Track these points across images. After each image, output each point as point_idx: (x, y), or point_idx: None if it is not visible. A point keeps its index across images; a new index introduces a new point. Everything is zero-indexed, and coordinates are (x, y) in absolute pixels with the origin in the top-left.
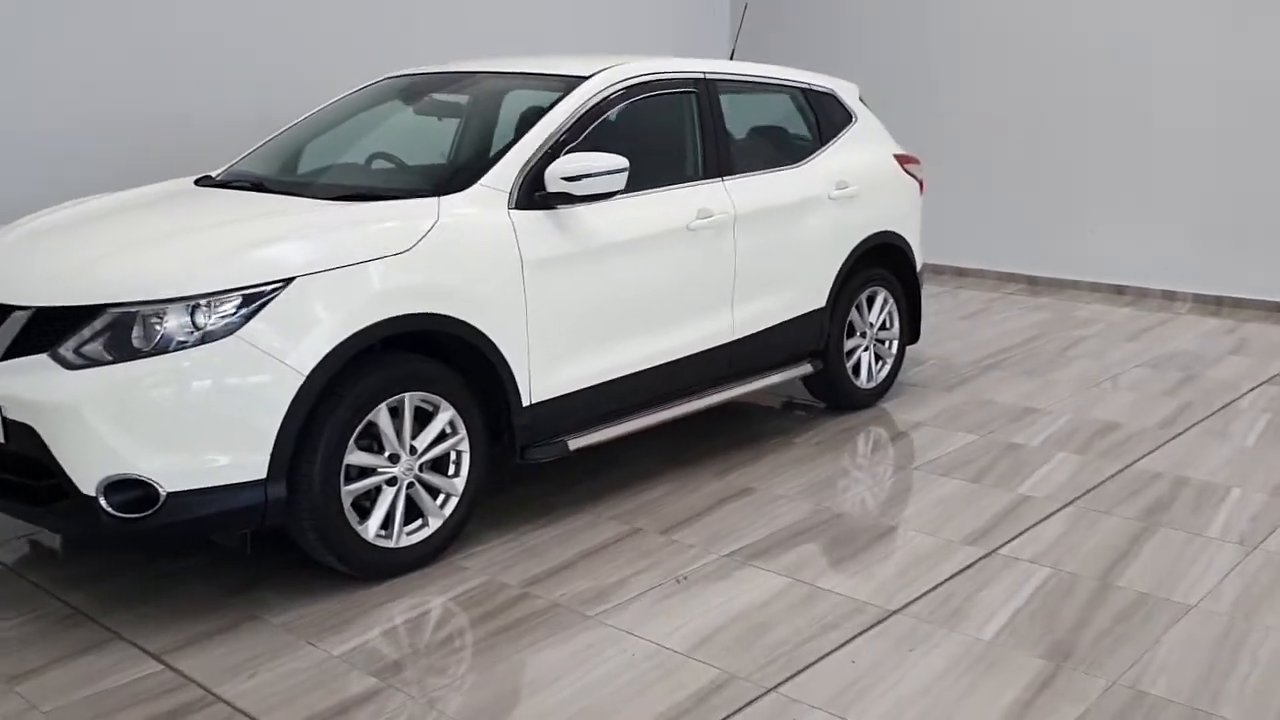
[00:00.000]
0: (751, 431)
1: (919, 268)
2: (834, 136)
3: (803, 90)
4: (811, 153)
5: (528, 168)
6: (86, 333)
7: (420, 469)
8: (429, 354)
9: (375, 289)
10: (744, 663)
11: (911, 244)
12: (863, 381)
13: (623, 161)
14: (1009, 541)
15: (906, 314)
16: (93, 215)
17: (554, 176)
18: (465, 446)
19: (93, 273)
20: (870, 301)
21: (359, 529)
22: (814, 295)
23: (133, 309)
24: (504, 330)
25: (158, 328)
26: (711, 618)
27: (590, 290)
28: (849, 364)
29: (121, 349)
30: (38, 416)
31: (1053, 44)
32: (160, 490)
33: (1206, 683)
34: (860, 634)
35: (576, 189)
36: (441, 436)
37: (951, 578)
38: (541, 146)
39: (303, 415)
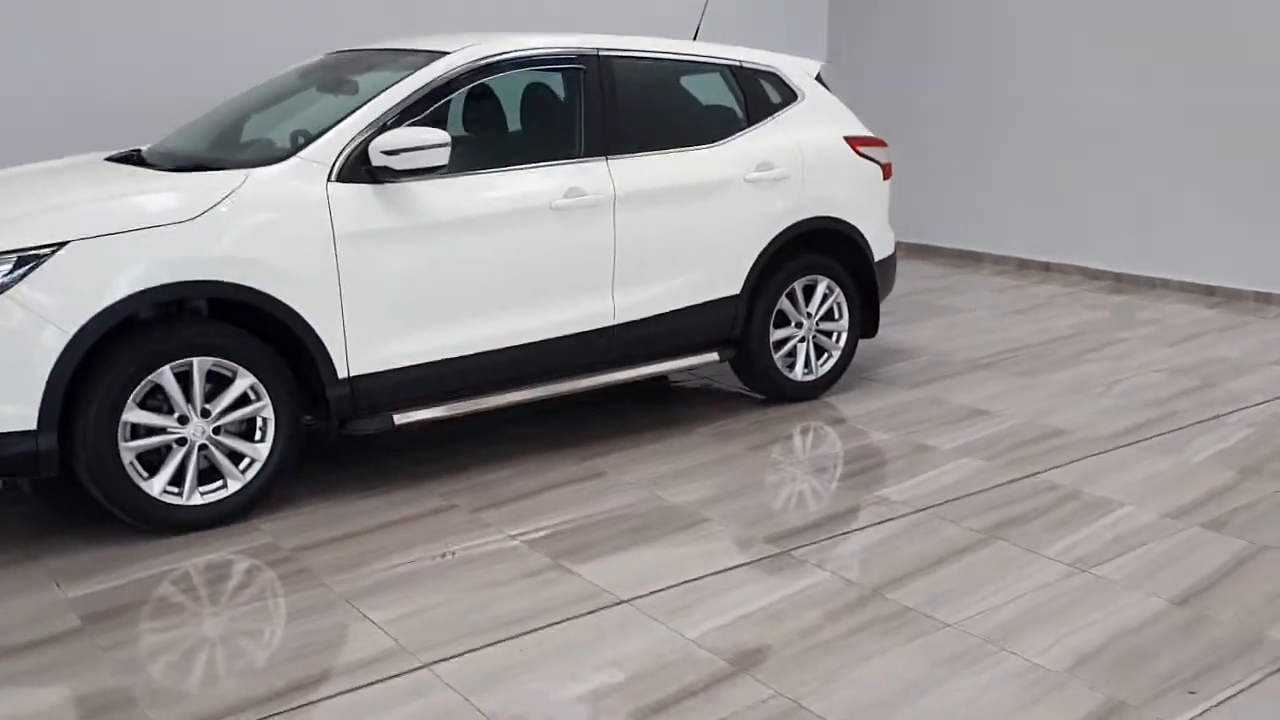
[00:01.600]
0: (664, 416)
1: (878, 256)
2: (766, 117)
3: (730, 68)
4: (731, 133)
5: (354, 142)
6: None
7: (218, 432)
8: (241, 322)
9: (148, 256)
10: (420, 639)
11: (864, 231)
12: (797, 374)
13: (444, 136)
14: (814, 544)
15: (857, 305)
16: None
17: (375, 151)
18: (269, 413)
19: None
20: (809, 291)
21: (143, 484)
22: (723, 281)
23: None
24: (311, 301)
25: None
26: (441, 596)
27: (421, 266)
28: (778, 354)
29: None
30: None
31: (1162, 33)
32: None
33: (882, 705)
34: (585, 615)
35: (396, 163)
36: (244, 401)
37: (709, 575)
38: (377, 121)
39: (69, 372)
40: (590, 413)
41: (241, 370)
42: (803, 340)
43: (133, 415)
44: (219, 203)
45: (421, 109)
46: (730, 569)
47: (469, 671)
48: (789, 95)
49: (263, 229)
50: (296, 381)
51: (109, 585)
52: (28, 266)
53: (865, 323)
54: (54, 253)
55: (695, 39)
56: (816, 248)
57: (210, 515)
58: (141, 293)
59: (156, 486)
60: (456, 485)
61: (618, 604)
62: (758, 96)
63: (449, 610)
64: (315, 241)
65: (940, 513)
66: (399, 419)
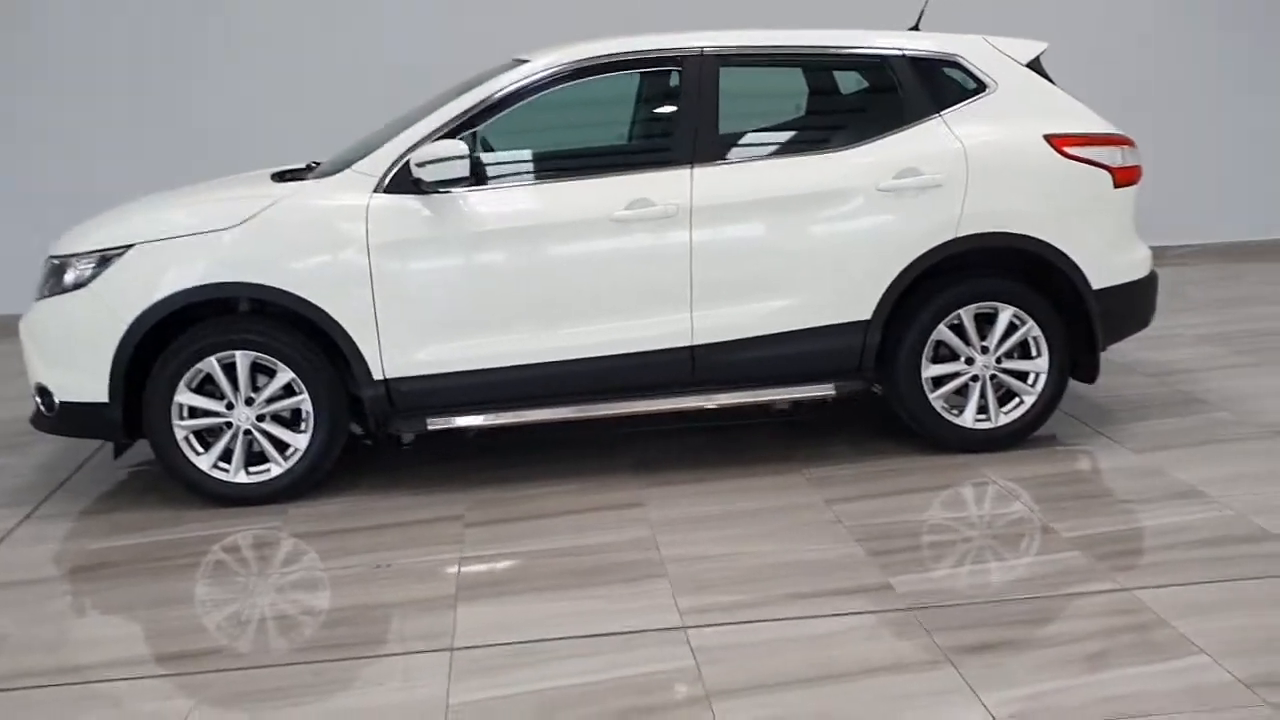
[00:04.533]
0: (768, 450)
1: (1103, 283)
2: (926, 114)
3: (884, 60)
4: (869, 136)
5: (406, 154)
6: (52, 276)
7: (263, 419)
8: (290, 323)
9: (194, 258)
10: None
11: (1071, 251)
12: (966, 419)
13: (460, 148)
14: (731, 624)
15: (1063, 342)
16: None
17: (413, 163)
18: (307, 407)
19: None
20: (987, 322)
21: (195, 459)
22: (844, 305)
23: (55, 260)
24: (343, 305)
25: (65, 276)
26: (320, 602)
27: (461, 276)
28: (936, 394)
29: (53, 289)
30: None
31: None
32: (55, 398)
33: None
34: (391, 655)
35: (426, 174)
36: (287, 394)
37: (568, 638)
38: (435, 133)
39: (127, 357)
40: (686, 438)
41: (281, 365)
42: (975, 379)
43: (183, 397)
44: (260, 213)
45: (481, 120)
46: (592, 636)
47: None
48: (972, 87)
49: (297, 237)
50: (340, 380)
51: (112, 543)
52: (105, 264)
53: (1081, 364)
54: (123, 253)
55: (917, 28)
56: (984, 270)
57: (252, 493)
58: (184, 290)
59: (205, 462)
60: (484, 496)
61: (437, 650)
62: (919, 91)
63: (276, 614)
64: (349, 250)
65: (925, 618)
66: (433, 424)
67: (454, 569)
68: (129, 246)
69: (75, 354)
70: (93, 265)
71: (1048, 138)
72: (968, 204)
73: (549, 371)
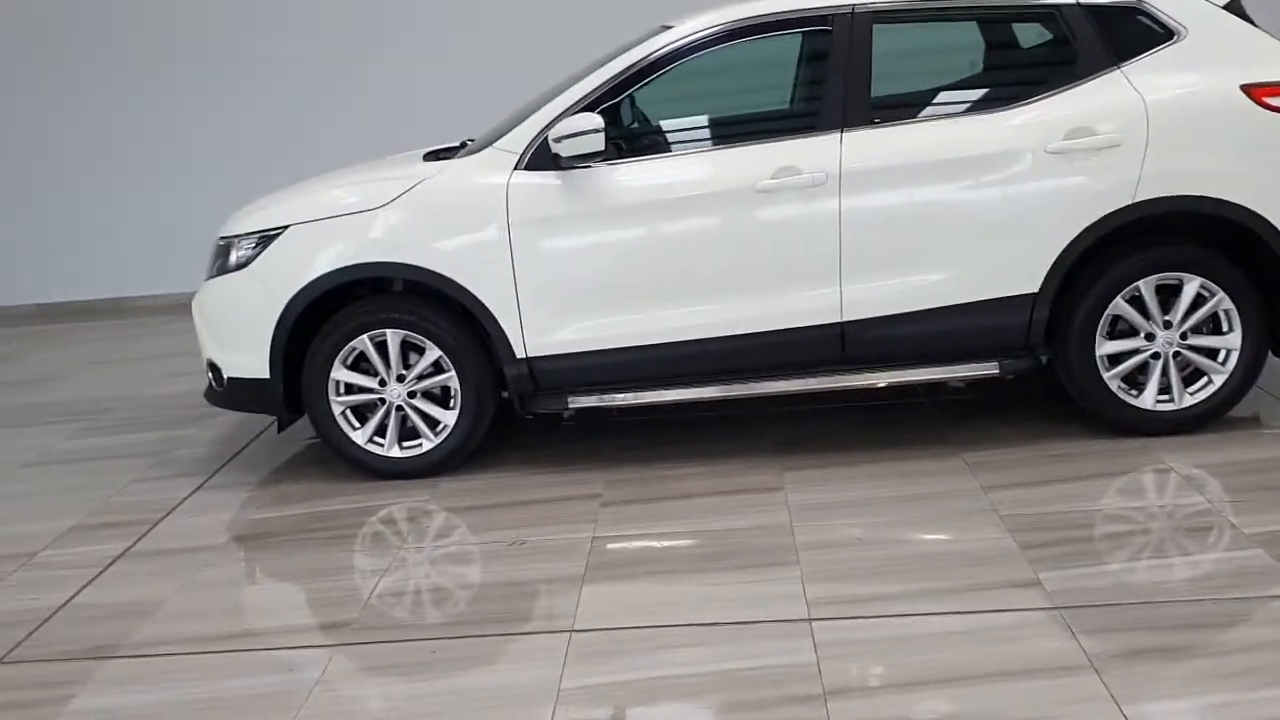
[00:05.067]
0: (938, 433)
1: None
2: (1103, 67)
3: (1053, 10)
4: (1036, 93)
5: (545, 130)
6: (219, 257)
7: (414, 396)
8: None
9: (344, 239)
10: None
11: (1274, 216)
12: (1146, 400)
13: (596, 121)
14: (841, 620)
15: (1259, 316)
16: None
17: (550, 139)
18: (455, 384)
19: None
20: (1171, 294)
21: (350, 434)
22: (1009, 277)
23: (222, 241)
24: (487, 284)
25: (230, 257)
26: (444, 579)
27: (602, 252)
28: (1111, 372)
29: (219, 269)
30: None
31: None
32: (223, 373)
33: None
34: (490, 635)
35: (563, 149)
36: (438, 371)
37: (679, 626)
38: (573, 107)
39: (285, 334)
40: (835, 419)
41: (429, 344)
42: (1156, 357)
43: (339, 374)
44: (405, 193)
45: (623, 90)
46: (713, 625)
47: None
48: (1157, 35)
49: (439, 216)
50: (486, 358)
51: (271, 516)
52: (264, 245)
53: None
54: (280, 234)
55: None
56: (1167, 236)
57: (405, 468)
58: (335, 271)
59: (361, 437)
60: (622, 475)
61: (558, 632)
62: (1094, 42)
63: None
64: (490, 228)
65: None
66: (574, 402)
67: (586, 548)
68: (285, 228)
69: (239, 331)
70: (253, 246)
71: (1245, 88)
72: (1148, 165)
73: (692, 349)
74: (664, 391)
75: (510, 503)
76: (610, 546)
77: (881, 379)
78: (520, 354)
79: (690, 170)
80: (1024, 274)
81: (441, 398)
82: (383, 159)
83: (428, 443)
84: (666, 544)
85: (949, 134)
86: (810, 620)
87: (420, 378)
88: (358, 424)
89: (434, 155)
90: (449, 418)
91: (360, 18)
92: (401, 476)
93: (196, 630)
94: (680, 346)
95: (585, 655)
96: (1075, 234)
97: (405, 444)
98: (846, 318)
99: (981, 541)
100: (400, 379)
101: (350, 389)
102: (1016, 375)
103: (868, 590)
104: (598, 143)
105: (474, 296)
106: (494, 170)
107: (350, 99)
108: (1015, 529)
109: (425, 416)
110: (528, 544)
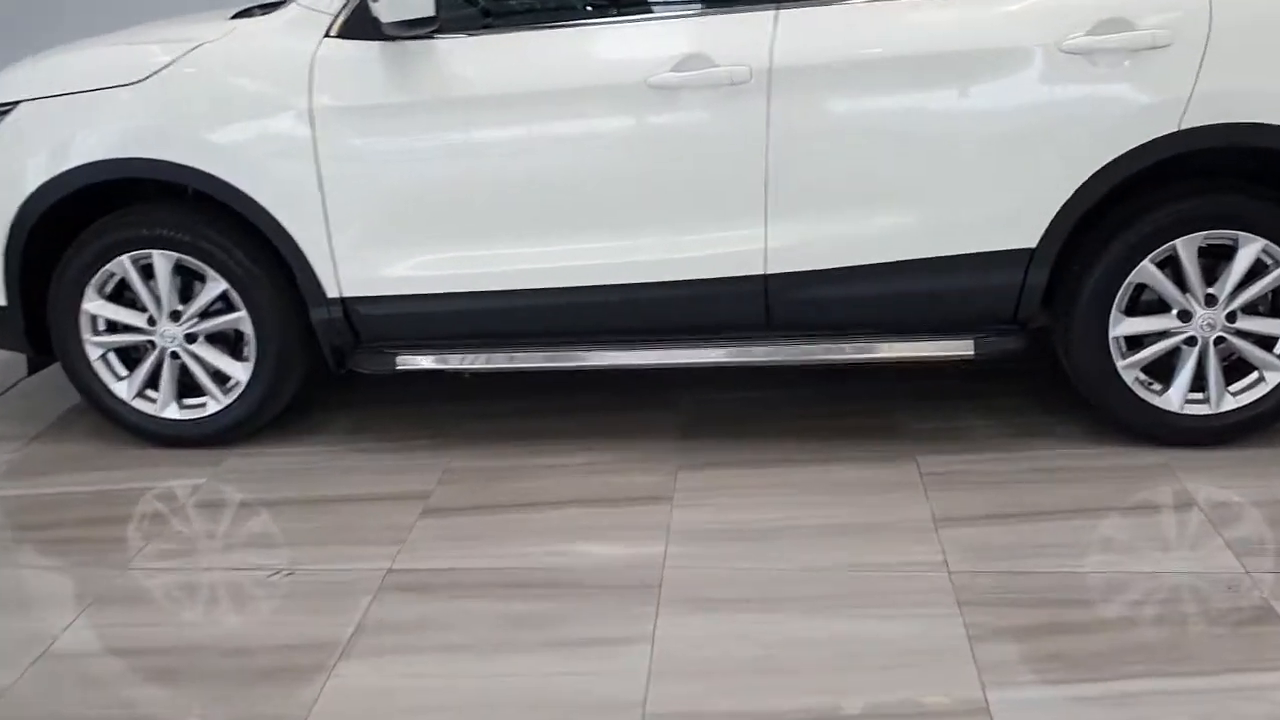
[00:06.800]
0: (889, 420)
1: None
2: None
3: None
4: None
5: None
6: None
7: (193, 340)
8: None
9: (88, 124)
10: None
11: None
12: (1172, 399)
13: None
14: None
15: None
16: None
17: None
18: (248, 328)
19: None
20: (1216, 258)
21: (111, 385)
22: (998, 225)
23: None
24: (283, 195)
25: None
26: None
27: (442, 160)
28: (1126, 361)
29: None
30: None
31: None
32: None
33: None
34: None
35: (382, 11)
36: (228, 309)
37: None
38: None
39: (19, 248)
40: (757, 392)
41: (211, 272)
42: (1191, 342)
43: (93, 305)
44: (173, 63)
45: None
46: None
47: None
48: None
49: (216, 97)
50: (291, 296)
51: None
52: None
53: None
54: (7, 113)
55: None
56: (1210, 180)
57: (183, 433)
58: (76, 169)
59: (125, 390)
60: (472, 462)
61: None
62: None
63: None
64: (286, 115)
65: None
66: (403, 362)
67: (373, 588)
68: (14, 104)
69: None
70: None
71: None
72: (1204, 79)
73: (560, 300)
74: (523, 353)
75: (305, 498)
76: (402, 591)
77: (814, 355)
78: (332, 293)
79: (559, 52)
80: (1018, 222)
81: (237, 345)
82: (186, 16)
83: (214, 403)
84: (478, 591)
85: (927, 18)
86: (645, 707)
87: (203, 316)
88: (126, 371)
89: (250, 13)
90: (241, 372)
91: None
92: (179, 444)
93: None
94: (543, 295)
95: None
96: (1094, 171)
97: (187, 402)
98: (772, 269)
99: (917, 623)
100: (175, 317)
101: (113, 327)
102: (997, 360)
103: (729, 708)
104: (425, 5)
105: (264, 210)
106: (296, 34)
107: None
108: (967, 601)
109: (211, 369)
110: (295, 574)
